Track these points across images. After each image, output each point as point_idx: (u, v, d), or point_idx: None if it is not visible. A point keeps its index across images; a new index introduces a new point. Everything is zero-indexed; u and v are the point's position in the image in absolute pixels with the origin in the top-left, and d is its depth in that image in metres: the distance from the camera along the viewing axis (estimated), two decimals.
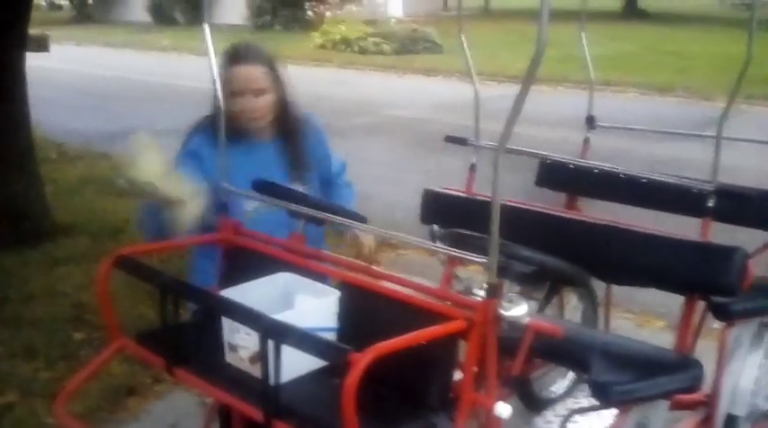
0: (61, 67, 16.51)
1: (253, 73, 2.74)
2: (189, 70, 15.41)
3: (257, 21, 26.20)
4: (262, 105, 2.77)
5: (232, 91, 2.71)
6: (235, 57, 2.76)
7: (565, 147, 4.09)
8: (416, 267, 3.40)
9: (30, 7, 5.69)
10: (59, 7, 35.85)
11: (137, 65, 18.74)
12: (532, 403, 3.48)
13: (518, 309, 1.78)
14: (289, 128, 2.88)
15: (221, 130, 2.40)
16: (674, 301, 2.89)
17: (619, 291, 3.63)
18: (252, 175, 2.54)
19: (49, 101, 10.95)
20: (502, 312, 1.77)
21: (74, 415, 2.21)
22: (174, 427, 3.60)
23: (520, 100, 1.61)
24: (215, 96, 2.45)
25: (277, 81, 2.82)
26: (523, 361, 2.01)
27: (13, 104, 5.68)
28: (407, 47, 20.23)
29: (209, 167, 2.62)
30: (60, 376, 3.75)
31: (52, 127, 9.50)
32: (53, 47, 12.80)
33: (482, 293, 1.81)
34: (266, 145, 2.86)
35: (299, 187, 2.78)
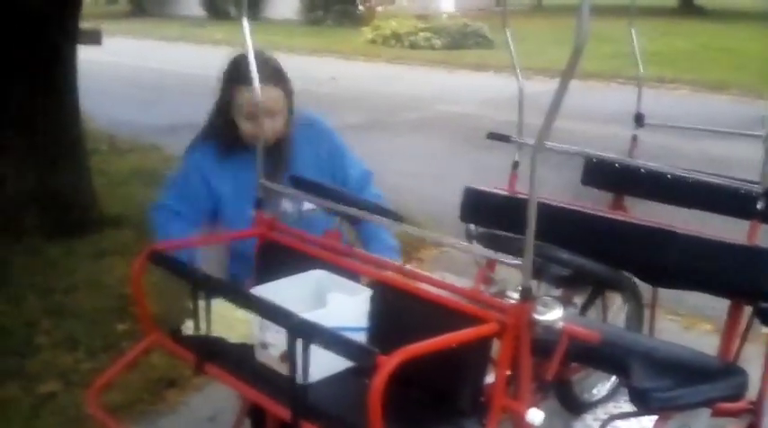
0: (115, 60, 16.71)
1: (270, 94, 2.56)
2: None
3: (309, 15, 26.30)
4: (274, 126, 2.62)
5: (244, 113, 2.60)
6: (245, 76, 2.44)
7: (615, 143, 4.02)
8: (459, 265, 3.36)
9: (80, 0, 5.75)
10: (115, 1, 36.38)
11: (190, 59, 18.90)
12: (573, 405, 3.42)
13: (553, 313, 1.73)
14: (286, 136, 2.72)
15: (261, 126, 2.39)
16: (723, 304, 2.81)
17: (666, 293, 3.55)
18: (246, 190, 2.47)
19: (101, 93, 11.10)
20: (536, 316, 1.72)
21: (109, 407, 2.22)
22: (212, 420, 3.61)
23: (558, 96, 1.56)
24: (254, 92, 2.41)
25: (289, 97, 2.67)
26: (560, 365, 1.96)
27: (63, 96, 5.76)
28: (458, 42, 20.13)
29: (211, 180, 2.71)
30: (102, 367, 3.77)
31: (104, 119, 9.63)
32: (107, 40, 12.93)
33: (516, 296, 1.76)
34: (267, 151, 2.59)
35: None
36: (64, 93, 5.77)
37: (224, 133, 2.70)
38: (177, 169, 2.85)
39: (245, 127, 2.63)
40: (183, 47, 22.03)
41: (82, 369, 3.88)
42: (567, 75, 1.55)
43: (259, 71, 2.40)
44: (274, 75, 2.60)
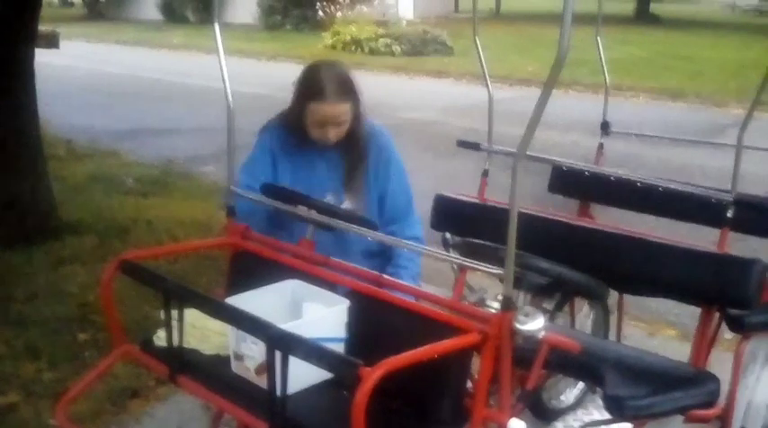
0: (72, 64, 16.47)
1: (339, 110, 2.79)
2: (199, 68, 15.40)
3: (268, 20, 26.19)
4: (339, 133, 2.84)
5: (315, 121, 2.81)
6: (321, 92, 2.76)
7: (576, 151, 4.05)
8: (425, 272, 3.34)
9: (39, 2, 5.63)
10: (71, 4, 35.92)
11: (147, 63, 18.72)
12: (541, 413, 3.42)
13: (534, 323, 1.72)
14: (354, 139, 2.91)
15: (231, 132, 2.36)
16: (685, 310, 2.83)
17: (629, 299, 3.56)
18: (307, 182, 2.72)
19: (58, 97, 10.91)
20: (518, 326, 1.71)
21: (75, 419, 2.17)
22: None
23: (541, 105, 1.56)
24: (226, 98, 2.38)
25: (357, 107, 2.87)
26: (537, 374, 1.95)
27: (20, 100, 5.63)
28: (418, 48, 20.15)
29: (277, 163, 2.92)
30: (64, 377, 3.70)
31: (61, 124, 9.46)
32: (64, 44, 12.75)
33: (497, 305, 1.75)
34: (329, 153, 2.92)
35: (350, 201, 2.86)
36: (22, 97, 5.63)
37: (295, 131, 2.92)
38: (252, 147, 3.03)
39: (314, 132, 2.86)
40: (141, 51, 21.80)
41: (44, 379, 3.78)
42: (549, 85, 1.55)
43: (331, 87, 2.75)
44: (344, 90, 2.81)
